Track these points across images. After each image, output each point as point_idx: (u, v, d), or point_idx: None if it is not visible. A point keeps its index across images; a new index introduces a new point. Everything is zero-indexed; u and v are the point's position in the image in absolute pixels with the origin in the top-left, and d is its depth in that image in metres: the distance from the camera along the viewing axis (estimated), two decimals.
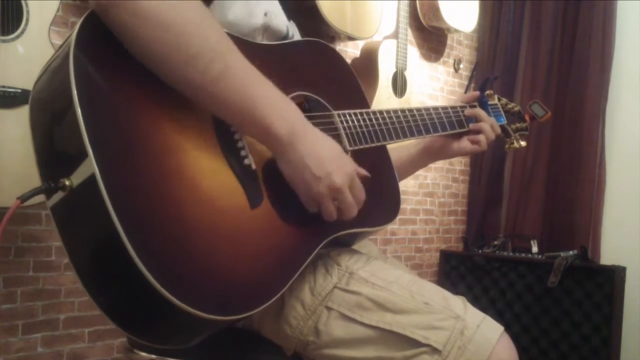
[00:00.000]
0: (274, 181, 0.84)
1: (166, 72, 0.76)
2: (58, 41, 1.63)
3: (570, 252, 2.73)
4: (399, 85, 2.50)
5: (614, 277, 2.56)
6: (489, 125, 1.23)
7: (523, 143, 1.35)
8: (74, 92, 0.68)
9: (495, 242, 3.05)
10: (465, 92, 1.37)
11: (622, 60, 2.92)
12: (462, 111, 1.24)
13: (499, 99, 1.35)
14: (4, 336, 1.66)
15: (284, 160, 0.82)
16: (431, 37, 3.00)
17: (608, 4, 2.90)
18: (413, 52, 2.60)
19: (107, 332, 1.87)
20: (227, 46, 0.78)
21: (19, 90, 1.45)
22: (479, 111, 1.25)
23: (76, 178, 0.68)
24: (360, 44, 2.55)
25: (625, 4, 2.93)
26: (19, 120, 1.44)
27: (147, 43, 0.73)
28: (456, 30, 2.86)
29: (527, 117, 1.36)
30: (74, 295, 1.79)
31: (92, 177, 0.65)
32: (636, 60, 2.90)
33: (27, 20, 1.47)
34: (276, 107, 0.80)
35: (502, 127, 1.33)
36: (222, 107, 0.78)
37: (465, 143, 1.24)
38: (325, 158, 0.82)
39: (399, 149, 1.27)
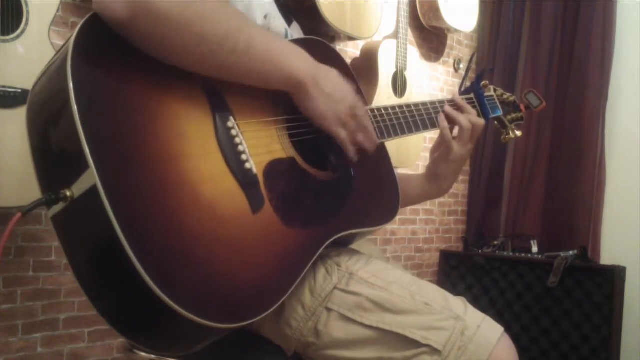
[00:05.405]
0: (275, 185, 0.84)
1: (199, 64, 0.78)
2: (58, 41, 1.63)
3: (570, 252, 2.73)
4: (399, 85, 2.50)
5: (614, 277, 2.56)
6: (463, 118, 1.12)
7: (518, 133, 1.35)
8: (74, 105, 0.66)
9: (495, 242, 3.04)
10: (461, 84, 1.35)
11: (622, 60, 2.92)
12: (442, 107, 1.16)
13: (495, 90, 1.35)
14: (4, 336, 1.65)
15: (310, 95, 0.88)
16: (431, 37, 3.00)
17: (608, 4, 2.90)
18: (413, 52, 2.60)
19: (107, 332, 1.86)
20: (243, 18, 0.82)
21: (19, 90, 1.45)
22: (453, 109, 1.16)
23: (77, 189, 0.67)
24: (360, 44, 2.55)
25: (625, 4, 2.93)
26: (18, 120, 1.44)
27: (177, 44, 0.74)
28: (456, 30, 2.86)
29: (522, 107, 1.37)
30: (74, 295, 1.79)
31: (93, 188, 0.65)
32: (636, 60, 2.90)
33: (27, 20, 1.46)
34: (295, 55, 0.87)
35: (498, 119, 1.34)
36: (253, 72, 0.83)
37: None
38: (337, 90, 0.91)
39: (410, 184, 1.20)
